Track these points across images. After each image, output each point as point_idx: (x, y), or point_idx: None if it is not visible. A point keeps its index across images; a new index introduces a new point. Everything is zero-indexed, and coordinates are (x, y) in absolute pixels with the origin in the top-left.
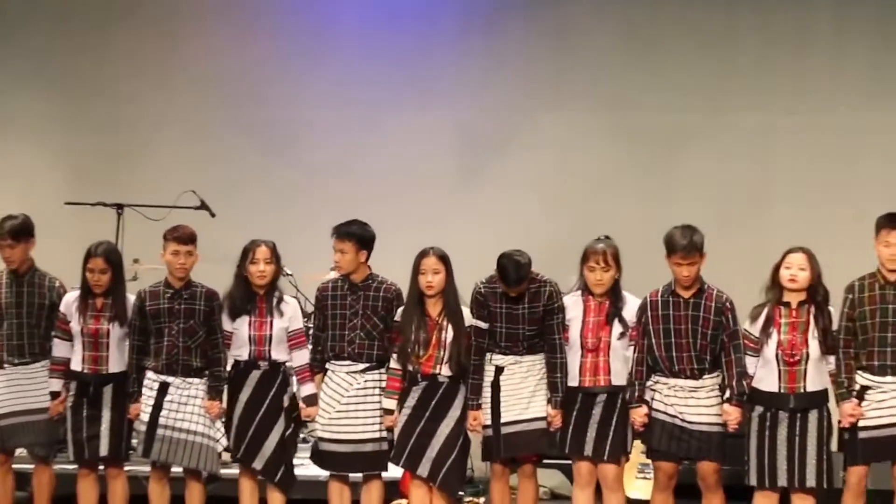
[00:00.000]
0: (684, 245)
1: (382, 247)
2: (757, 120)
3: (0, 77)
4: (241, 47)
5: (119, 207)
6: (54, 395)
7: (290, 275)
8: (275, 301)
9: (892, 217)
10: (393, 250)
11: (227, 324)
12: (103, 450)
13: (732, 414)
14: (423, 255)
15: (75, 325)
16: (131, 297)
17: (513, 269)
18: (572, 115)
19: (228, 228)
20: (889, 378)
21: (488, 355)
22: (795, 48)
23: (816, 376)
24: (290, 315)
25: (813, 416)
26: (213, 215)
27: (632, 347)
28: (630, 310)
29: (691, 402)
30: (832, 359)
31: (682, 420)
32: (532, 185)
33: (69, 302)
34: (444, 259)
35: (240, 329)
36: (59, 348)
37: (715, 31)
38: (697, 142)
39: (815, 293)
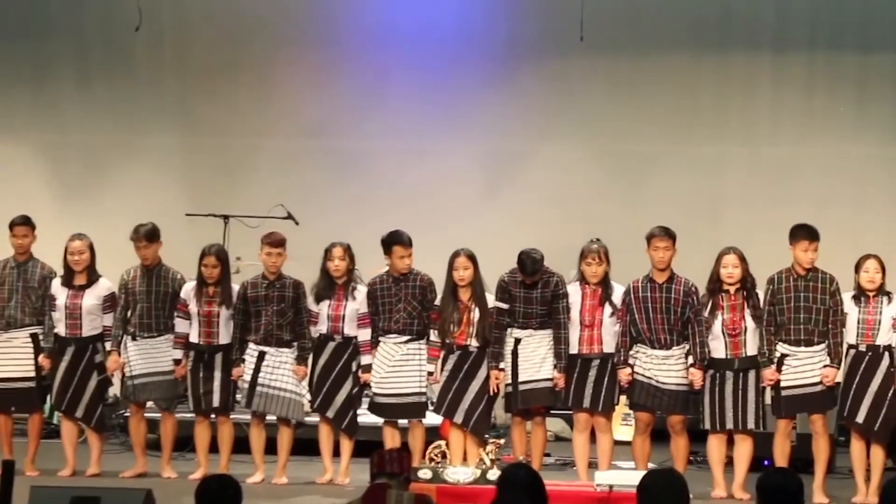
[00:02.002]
0: (661, 230)
1: (424, 247)
2: (713, 149)
3: (132, 116)
4: (318, 89)
5: (226, 217)
6: (177, 361)
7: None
8: (349, 289)
9: (804, 229)
10: (432, 250)
11: (313, 306)
12: (215, 402)
13: (696, 375)
14: (456, 255)
15: (193, 308)
16: (236, 287)
17: (529, 262)
18: (570, 142)
19: (309, 234)
20: (802, 348)
21: (508, 330)
22: (744, 92)
23: (752, 344)
24: (361, 300)
25: (751, 375)
26: (297, 223)
27: (619, 324)
28: (617, 295)
29: (663, 367)
30: (759, 331)
31: (657, 381)
32: (541, 197)
33: (188, 290)
34: (472, 258)
35: (322, 310)
36: (180, 325)
37: (681, 78)
38: (666, 165)
39: (746, 282)
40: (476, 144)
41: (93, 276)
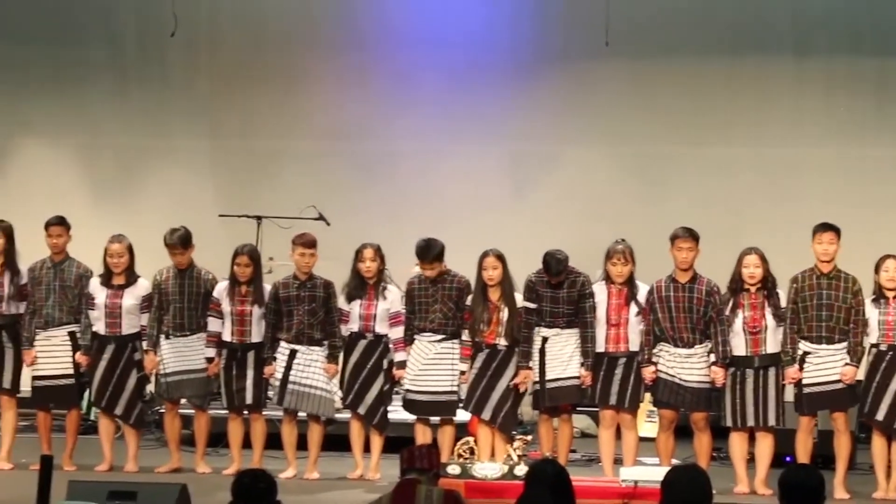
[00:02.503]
0: (684, 231)
1: (454, 248)
2: (735, 151)
3: (167, 120)
4: (347, 92)
5: (258, 218)
6: (209, 359)
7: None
8: (380, 289)
9: (823, 224)
10: (458, 251)
11: (343, 305)
12: (248, 399)
13: (718, 373)
14: (485, 255)
15: (226, 307)
16: (268, 286)
17: (554, 263)
18: (594, 144)
19: (338, 234)
20: (823, 346)
21: (536, 329)
22: (764, 95)
23: (773, 342)
24: (392, 300)
25: (772, 373)
26: (328, 224)
27: (643, 323)
28: (642, 294)
29: (686, 365)
30: (780, 331)
31: (680, 379)
32: (565, 199)
33: (220, 289)
34: (500, 258)
35: (353, 309)
36: (212, 324)
37: (703, 82)
38: (689, 167)
39: (767, 282)
40: (502, 147)
41: (132, 277)
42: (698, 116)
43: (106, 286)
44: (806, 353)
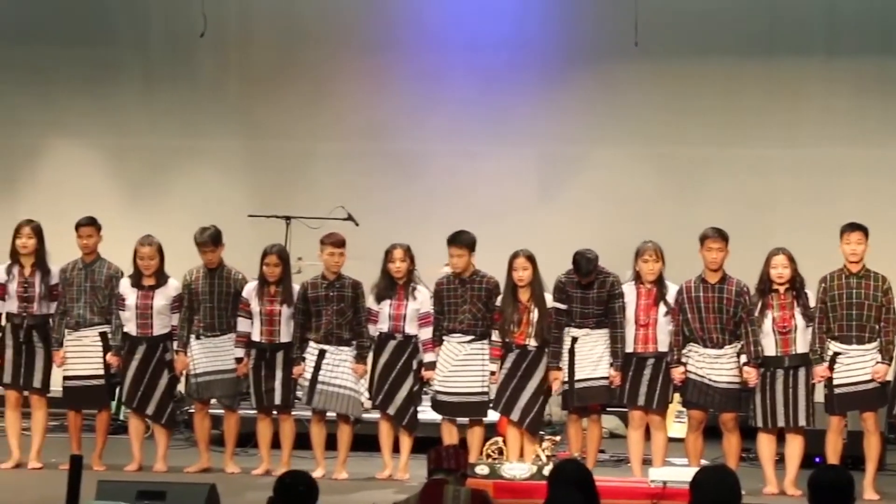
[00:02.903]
0: (714, 231)
1: (483, 248)
2: (764, 151)
3: (196, 120)
4: (377, 92)
5: (287, 219)
6: (239, 359)
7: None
8: (409, 289)
9: (851, 224)
10: (488, 252)
11: (373, 305)
12: (276, 399)
13: (751, 373)
14: (515, 255)
15: (255, 307)
16: (296, 286)
17: (584, 262)
18: (623, 145)
19: (367, 234)
20: (854, 346)
21: (566, 329)
22: (794, 95)
23: (803, 342)
24: (422, 300)
25: (802, 373)
26: (357, 225)
27: (672, 323)
28: (671, 295)
29: (716, 365)
30: (810, 331)
31: (710, 380)
32: (594, 199)
33: (250, 289)
34: (530, 258)
35: (383, 309)
36: (242, 324)
37: (732, 82)
38: (718, 167)
39: (795, 282)
40: (531, 147)
41: (162, 277)
42: (727, 116)
43: (136, 287)
44: (836, 354)
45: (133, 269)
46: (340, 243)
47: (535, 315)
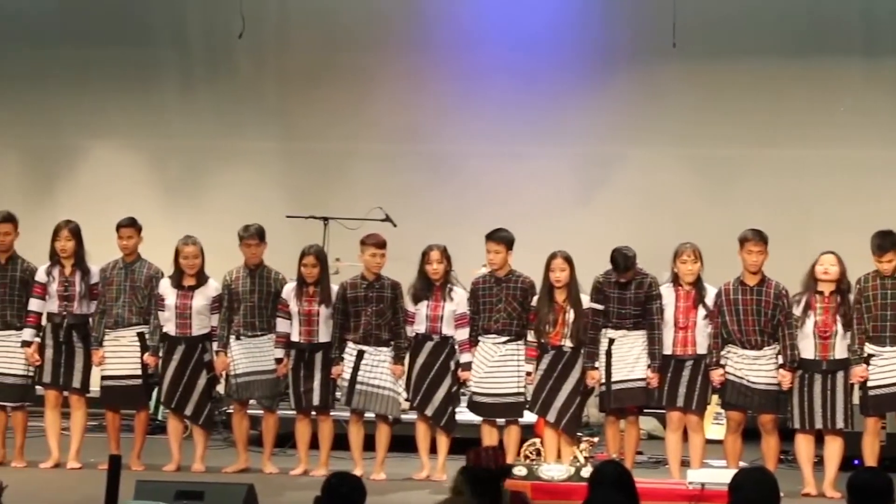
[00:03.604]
0: (754, 233)
1: (520, 248)
2: (802, 152)
3: (234, 121)
4: (414, 93)
5: (325, 220)
6: (278, 360)
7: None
8: (446, 290)
9: (875, 236)
10: (525, 252)
11: (410, 306)
12: (315, 400)
13: (786, 377)
14: (552, 256)
15: (293, 307)
16: (335, 287)
17: (622, 259)
18: (661, 145)
19: (405, 234)
20: (888, 347)
21: (603, 330)
22: (832, 96)
23: (841, 347)
24: (458, 301)
25: (840, 376)
26: (394, 226)
27: (711, 325)
28: (710, 297)
29: (755, 367)
30: (849, 335)
31: (748, 381)
32: (632, 199)
33: (288, 290)
34: (568, 260)
35: (420, 310)
36: (281, 325)
37: (771, 83)
38: (755, 167)
39: (842, 284)
40: (569, 147)
41: (202, 278)
42: (765, 117)
43: (176, 287)
44: (870, 356)
45: (174, 269)
46: (382, 244)
47: (570, 316)
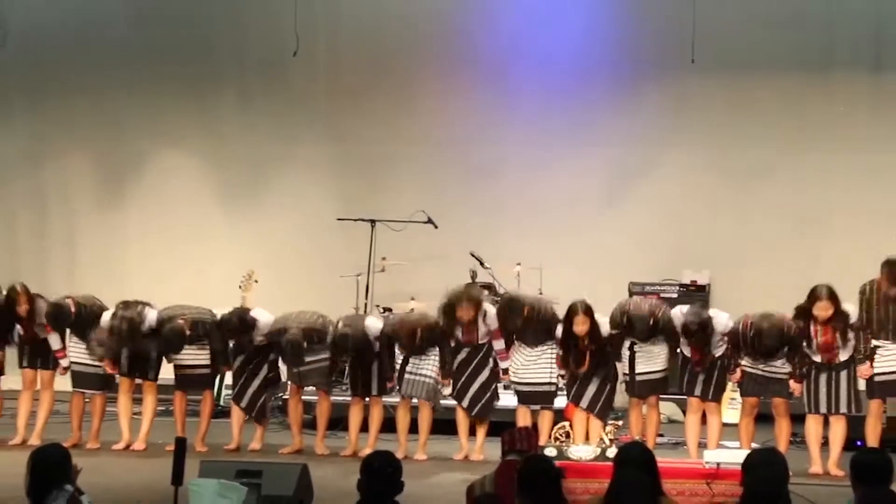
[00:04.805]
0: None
1: (552, 245)
2: (819, 157)
3: (288, 130)
4: (455, 104)
5: (372, 222)
6: None
7: (489, 268)
8: (481, 314)
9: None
10: (560, 247)
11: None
12: (374, 389)
13: (797, 388)
14: (574, 312)
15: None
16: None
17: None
18: (689, 151)
19: (446, 235)
20: (891, 341)
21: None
22: (865, 101)
23: (845, 353)
24: (489, 321)
25: (843, 372)
26: (436, 227)
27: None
28: (720, 321)
29: (769, 362)
30: (852, 342)
31: (764, 370)
32: (658, 204)
33: None
34: (588, 312)
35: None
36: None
37: (784, 95)
38: (774, 171)
39: (839, 316)
40: (596, 154)
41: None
42: (780, 126)
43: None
44: (876, 348)
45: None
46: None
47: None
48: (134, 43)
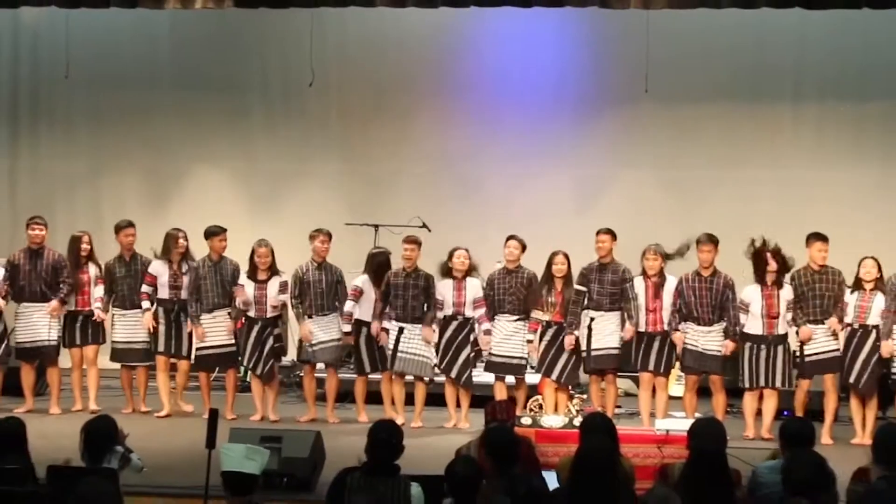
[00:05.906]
0: (706, 236)
1: (528, 245)
2: (748, 173)
3: (305, 149)
4: (447, 126)
5: (375, 226)
6: (346, 334)
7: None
8: (467, 281)
9: (814, 234)
10: (534, 250)
11: (438, 295)
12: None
13: (730, 346)
14: (555, 254)
15: (372, 294)
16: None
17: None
18: (638, 170)
19: (438, 238)
20: (820, 326)
21: (585, 311)
22: (772, 130)
23: (783, 325)
24: (476, 289)
25: (780, 347)
26: (429, 230)
27: (672, 305)
28: (670, 285)
29: (707, 338)
30: (789, 315)
31: (703, 348)
32: (619, 213)
33: (364, 280)
34: (566, 257)
35: (446, 297)
36: (348, 306)
37: (723, 121)
38: (713, 187)
39: (781, 277)
40: (568, 169)
41: (273, 272)
42: (721, 147)
43: (253, 280)
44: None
45: (249, 266)
46: (414, 241)
47: (567, 295)
48: (172, 73)
